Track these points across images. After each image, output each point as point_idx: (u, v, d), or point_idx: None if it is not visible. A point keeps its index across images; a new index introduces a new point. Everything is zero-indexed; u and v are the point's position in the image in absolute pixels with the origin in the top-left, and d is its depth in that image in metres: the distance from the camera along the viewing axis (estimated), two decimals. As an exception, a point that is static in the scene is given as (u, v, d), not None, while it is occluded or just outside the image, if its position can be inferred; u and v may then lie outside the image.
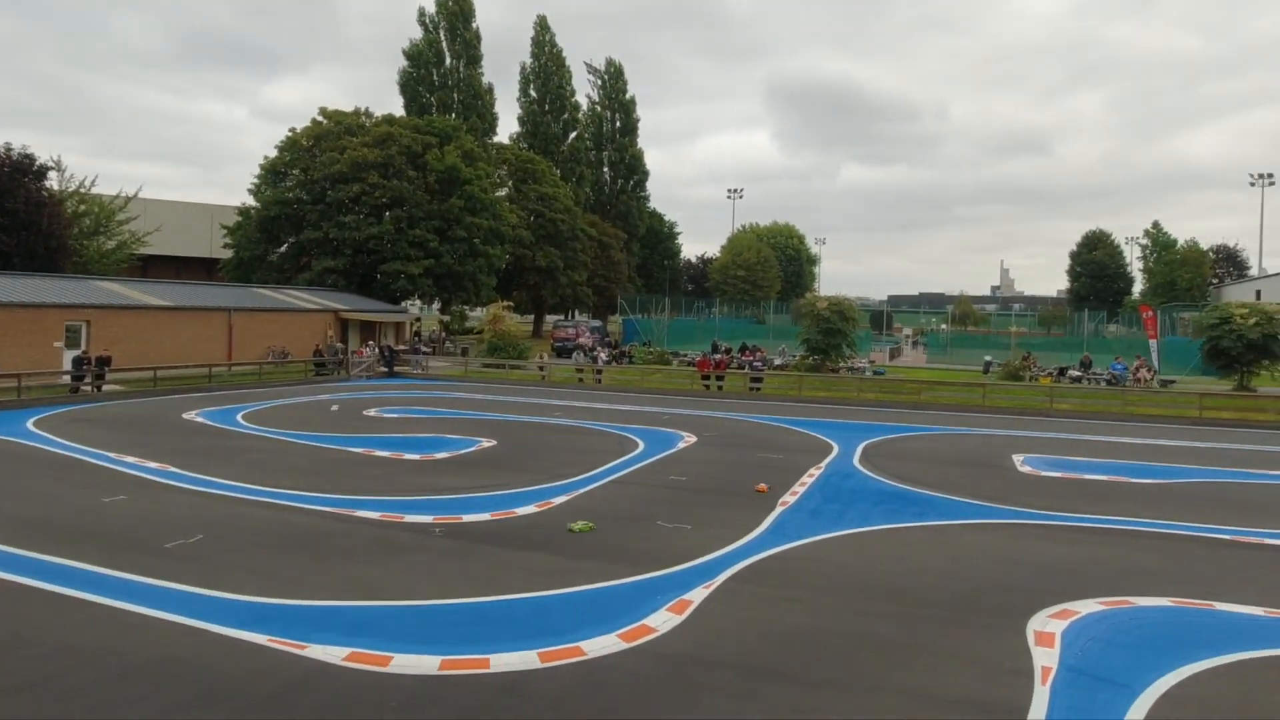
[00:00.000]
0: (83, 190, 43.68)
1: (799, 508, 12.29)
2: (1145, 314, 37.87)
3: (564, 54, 72.23)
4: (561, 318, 66.20)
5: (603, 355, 36.93)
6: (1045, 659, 6.86)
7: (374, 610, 7.79)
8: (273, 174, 47.58)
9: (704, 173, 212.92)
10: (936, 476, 14.92)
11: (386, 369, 34.39)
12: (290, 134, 48.32)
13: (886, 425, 22.16)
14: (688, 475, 14.64)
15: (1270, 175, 78.00)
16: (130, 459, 14.88)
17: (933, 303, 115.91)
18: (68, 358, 26.76)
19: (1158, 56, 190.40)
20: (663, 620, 7.61)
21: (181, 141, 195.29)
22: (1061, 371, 35.25)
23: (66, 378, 25.69)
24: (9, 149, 36.33)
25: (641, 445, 17.74)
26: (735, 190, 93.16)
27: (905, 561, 9.72)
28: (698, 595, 8.29)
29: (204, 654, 6.73)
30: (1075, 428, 22.62)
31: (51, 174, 39.34)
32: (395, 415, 22.13)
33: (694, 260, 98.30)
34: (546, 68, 71.07)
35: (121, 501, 11.83)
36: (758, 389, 30.13)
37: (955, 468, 16.08)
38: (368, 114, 50.80)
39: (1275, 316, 31.12)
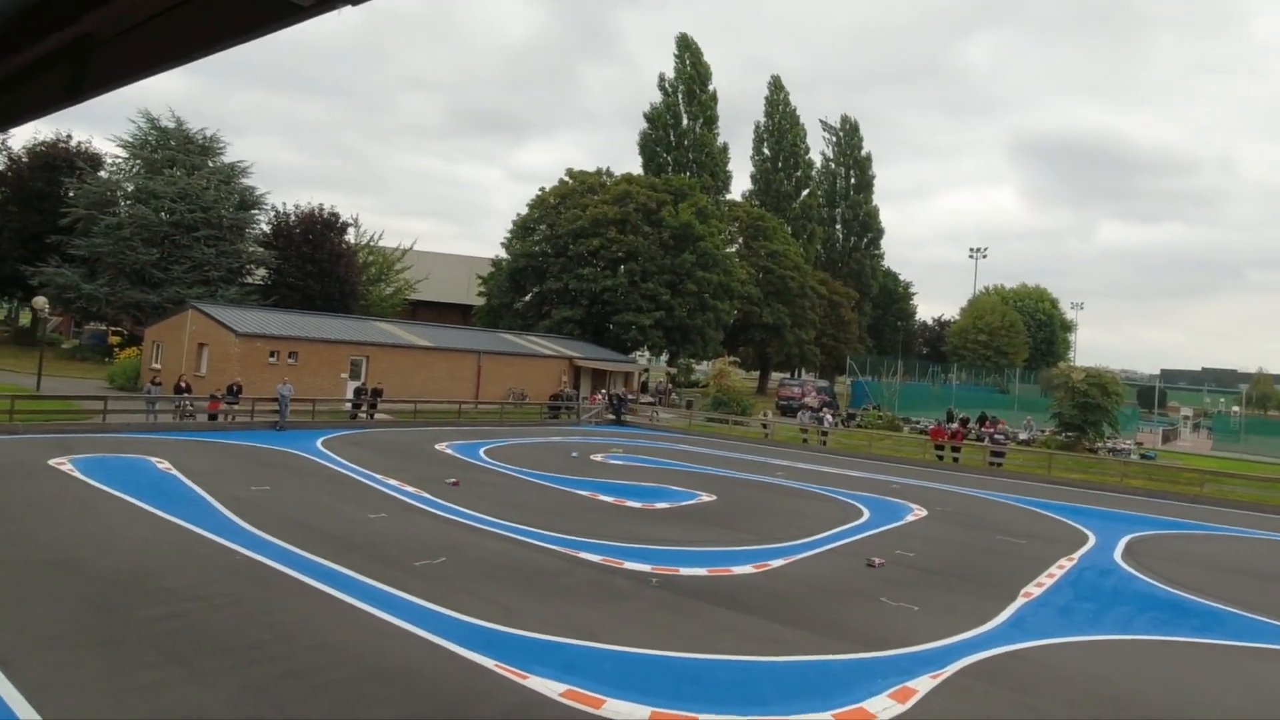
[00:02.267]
0: (372, 244, 50.66)
1: (1045, 602, 10.98)
2: None
3: (797, 112, 72.87)
4: (787, 376, 65.53)
5: (829, 416, 35.91)
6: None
7: (590, 651, 7.99)
8: (523, 229, 52.13)
9: (939, 233, 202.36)
10: (1225, 586, 12.68)
11: (614, 416, 35.88)
12: (540, 193, 52.84)
13: (1158, 519, 19.32)
14: (915, 551, 13.66)
15: None
16: (392, 481, 16.67)
17: (1220, 380, 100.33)
18: (350, 387, 30.80)
19: None
20: (883, 707, 7.07)
21: (447, 200, 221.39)
22: (1400, 473, 28.81)
23: (348, 405, 29.55)
24: (321, 209, 43.19)
25: (866, 514, 16.88)
26: (978, 250, 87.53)
27: (1177, 686, 8.29)
28: (923, 685, 7.62)
29: (439, 668, 7.28)
30: None
31: (350, 229, 46.14)
32: (620, 462, 22.92)
33: (930, 322, 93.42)
34: (780, 126, 71.98)
35: (383, 519, 13.25)
36: (998, 464, 27.65)
37: (1249, 578, 13.58)
38: (608, 173, 54.27)
39: None
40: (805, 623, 9.36)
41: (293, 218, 42.95)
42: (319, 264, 41.27)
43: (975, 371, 68.77)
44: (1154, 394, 56.19)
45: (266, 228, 43.34)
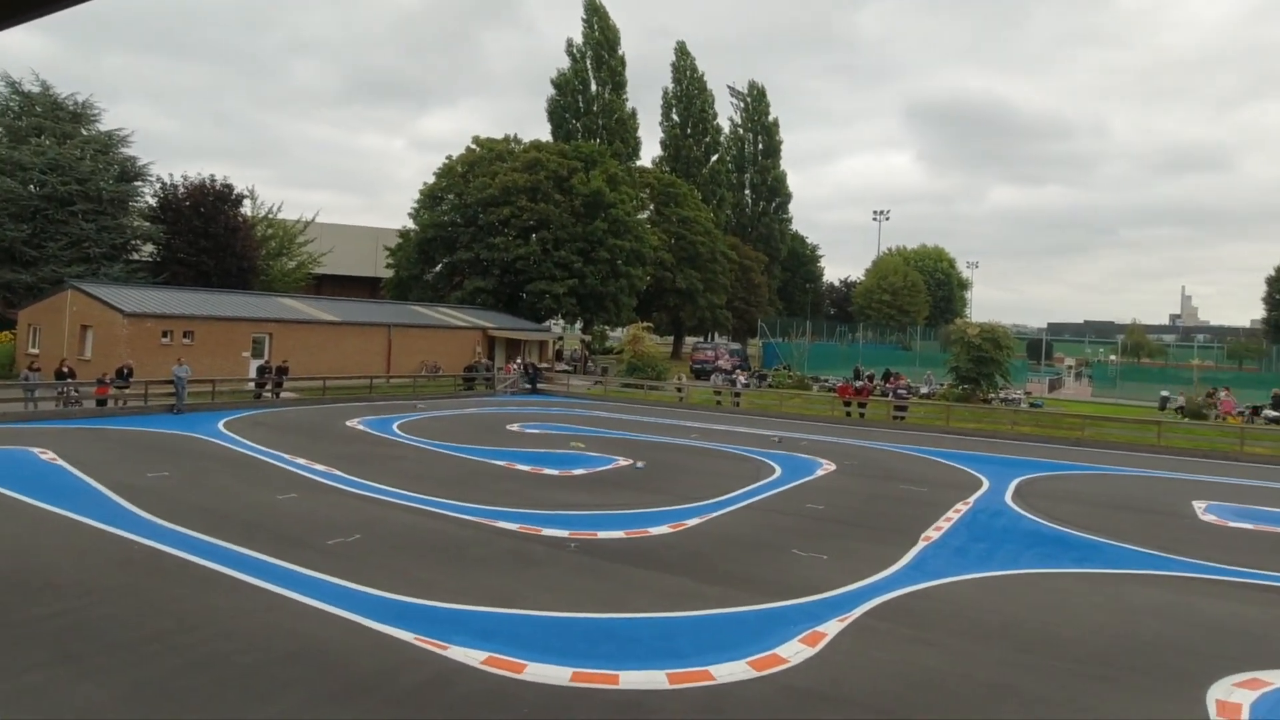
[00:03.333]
0: (270, 216, 48.37)
1: (942, 544, 11.66)
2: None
3: (704, 79, 73.02)
4: (700, 340, 66.39)
5: (741, 378, 36.67)
6: (1228, 732, 6.13)
7: (509, 618, 8.05)
8: (430, 199, 50.75)
9: (843, 196, 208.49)
10: (1101, 520, 13.73)
11: (530, 386, 35.68)
12: (447, 161, 51.43)
13: (1044, 462, 20.67)
14: (825, 504, 14.23)
15: None
16: (300, 460, 16.19)
17: (1099, 332, 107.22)
18: (253, 366, 29.57)
19: None
20: (794, 651, 7.41)
21: (348, 171, 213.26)
22: (1255, 411, 31.62)
23: (251, 385, 28.38)
24: (213, 181, 40.86)
25: (778, 471, 17.43)
26: (881, 212, 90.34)
27: (1060, 611, 8.99)
28: (831, 629, 8.02)
29: (356, 645, 7.20)
30: (1272, 474, 20.20)
31: (246, 202, 43.88)
32: (536, 431, 22.89)
33: (836, 284, 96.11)
34: (688, 92, 72.02)
35: (292, 499, 12.89)
36: (902, 418, 28.93)
37: (1123, 512, 14.74)
38: (517, 141, 53.25)
39: None
40: (720, 577, 9.66)
41: (181, 190, 40.45)
42: (213, 238, 39.14)
43: (880, 330, 71.40)
44: (1041, 346, 59.73)
45: (152, 200, 40.72)
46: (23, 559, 9.31)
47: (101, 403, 23.53)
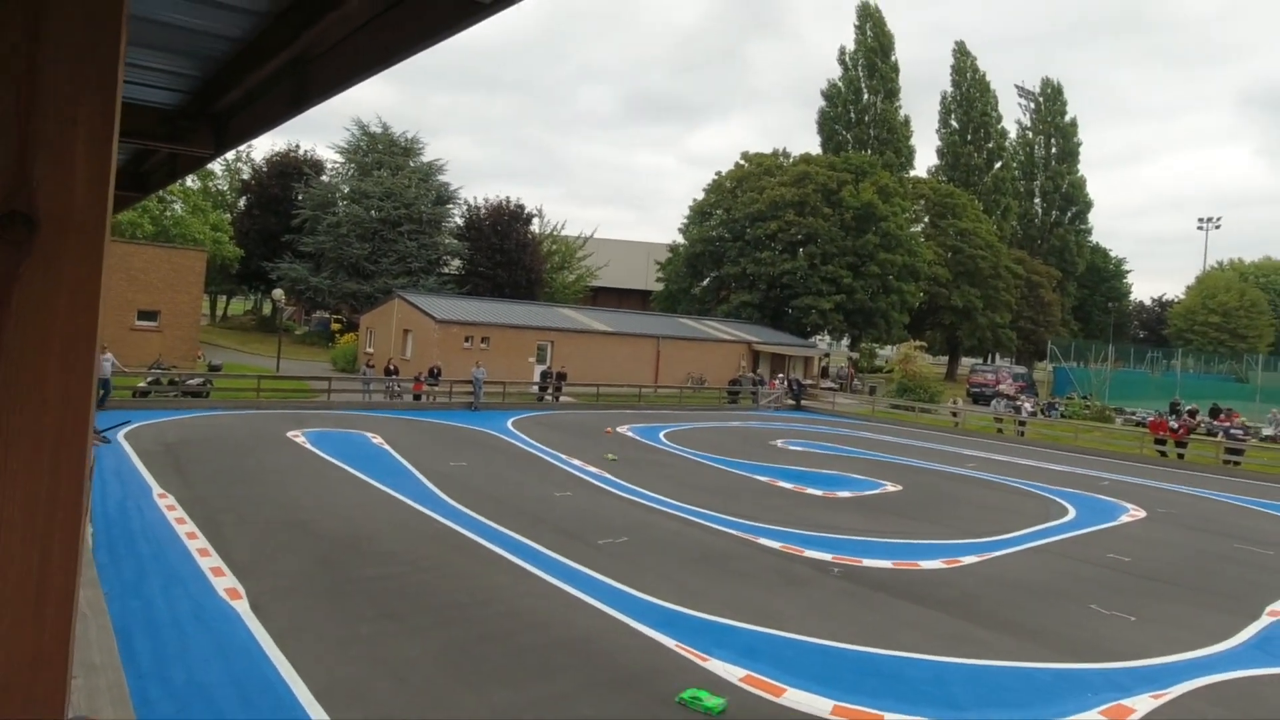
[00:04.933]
0: (555, 233, 52.89)
1: (1298, 622, 9.56)
2: None
3: (986, 78, 67.58)
4: (979, 361, 61.44)
5: (1027, 405, 33.27)
6: None
7: (771, 638, 7.91)
8: (699, 214, 52.27)
9: (1158, 201, 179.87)
10: None
11: (794, 401, 35.28)
12: (716, 177, 52.68)
13: None
14: (1132, 556, 12.35)
15: None
16: (576, 461, 17.37)
17: None
18: (537, 371, 32.40)
19: None
20: (1095, 724, 6.46)
21: (623, 188, 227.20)
22: None
23: (535, 388, 31.12)
24: (508, 201, 45.64)
25: (1072, 512, 15.48)
26: (1208, 219, 77.41)
27: None
28: (1142, 705, 6.88)
29: (621, 642, 7.50)
30: None
31: (534, 220, 48.43)
32: (800, 448, 22.51)
33: (1148, 303, 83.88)
34: (968, 95, 67.15)
35: (568, 496, 13.84)
36: (1235, 463, 24.40)
37: None
38: (785, 154, 53.14)
39: None
40: (1001, 624, 8.74)
41: (482, 210, 45.72)
42: (506, 253, 43.68)
43: (1205, 358, 61.05)
44: None
45: (460, 220, 46.46)
46: (358, 526, 10.92)
47: (416, 397, 27.12)
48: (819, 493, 15.81)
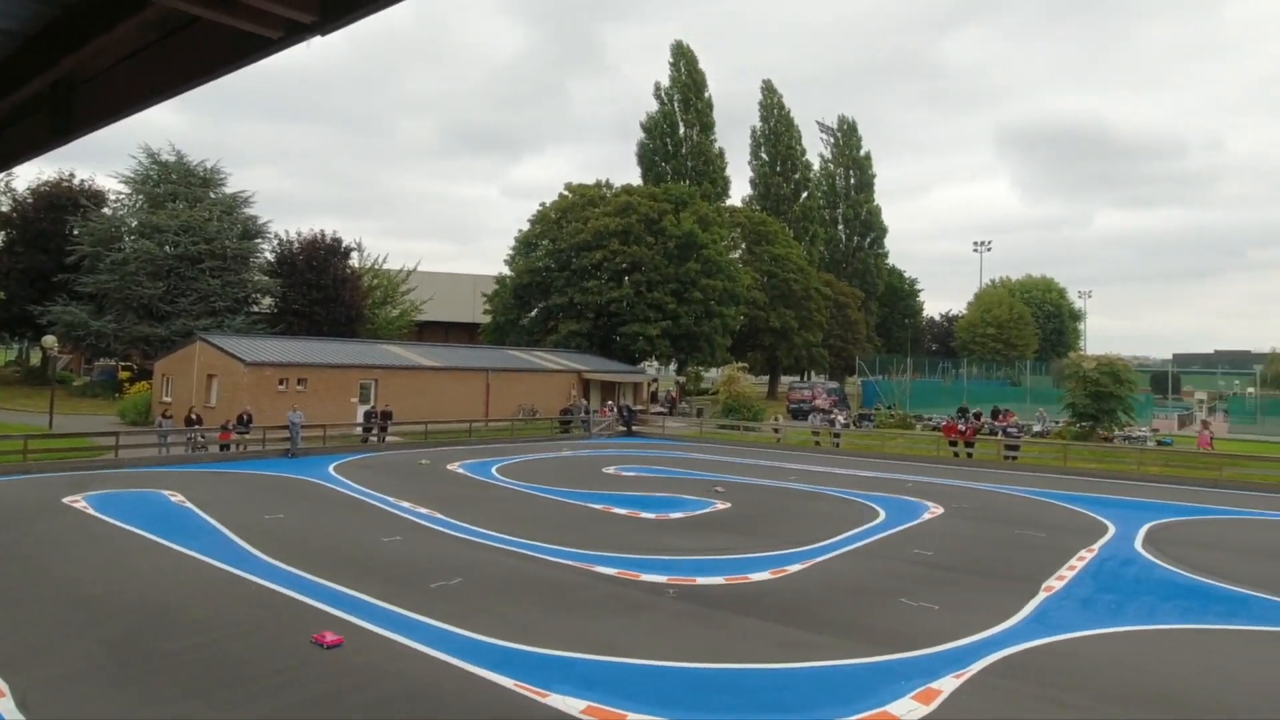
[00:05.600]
0: (376, 267, 50.95)
1: (1067, 595, 10.86)
2: None
3: (791, 115, 73.02)
4: (797, 379, 65.34)
5: (840, 418, 35.76)
6: None
7: (610, 666, 7.93)
8: (525, 245, 52.32)
9: (940, 227, 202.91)
10: (1249, 570, 12.53)
11: (625, 427, 35.83)
12: (541, 208, 53.03)
13: (1177, 505, 19.13)
14: (934, 550, 13.54)
15: None
16: (405, 503, 16.66)
17: (1233, 362, 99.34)
18: (360, 411, 30.86)
19: None
20: (908, 709, 6.99)
21: (447, 220, 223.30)
22: None
23: (359, 429, 29.60)
24: (324, 235, 43.49)
25: (883, 514, 16.76)
26: (982, 243, 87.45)
27: (1206, 672, 8.18)
28: (947, 685, 7.54)
29: (458, 689, 7.24)
30: None
31: (354, 254, 46.46)
32: (632, 473, 22.87)
33: (938, 318, 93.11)
34: (776, 129, 72.15)
35: (397, 541, 13.23)
36: (1014, 458, 27.47)
37: (1274, 562, 13.40)
38: (608, 185, 54.46)
39: None
40: (826, 626, 9.28)
41: (296, 245, 43.23)
42: (324, 289, 41.49)
43: (986, 365, 68.50)
44: (1167, 379, 55.79)
45: (271, 256, 43.64)
46: (158, 597, 9.84)
47: (224, 447, 24.99)
48: (652, 516, 16.12)
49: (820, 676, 7.81)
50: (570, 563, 12.02)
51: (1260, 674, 8.17)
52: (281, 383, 29.34)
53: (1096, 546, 14.01)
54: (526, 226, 52.86)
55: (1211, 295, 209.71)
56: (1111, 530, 15.54)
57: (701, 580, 11.18)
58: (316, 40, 1.98)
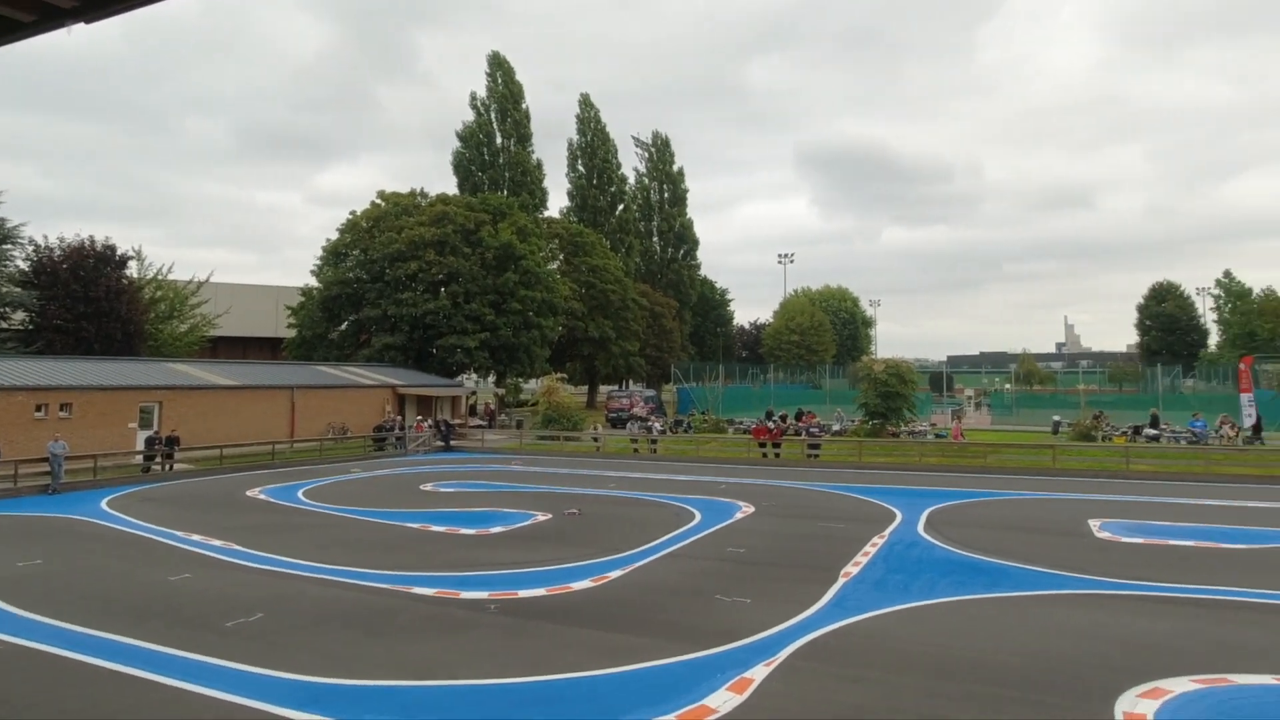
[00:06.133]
0: (160, 277, 46.12)
1: (862, 579, 11.83)
2: (1243, 366, 35.51)
3: (608, 129, 74.60)
4: (615, 388, 66.49)
5: (657, 425, 36.79)
6: (1140, 745, 6.35)
7: (430, 690, 7.66)
8: (334, 255, 49.57)
9: (747, 240, 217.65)
10: (1008, 544, 14.25)
11: (443, 442, 34.82)
12: (351, 216, 50.47)
13: (952, 491, 21.40)
14: (746, 547, 14.28)
15: (1345, 221, 75.35)
16: (196, 537, 15.19)
17: (994, 362, 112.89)
18: (140, 438, 27.77)
19: (1188, 109, 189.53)
20: (723, 700, 7.31)
21: (244, 228, 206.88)
22: (1136, 430, 33.75)
23: (139, 458, 26.62)
24: (93, 242, 38.74)
25: (699, 516, 17.43)
26: (786, 255, 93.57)
27: (977, 636, 9.21)
28: (759, 673, 7.97)
29: (259, 737, 6.69)
30: (1155, 490, 21.51)
31: (131, 263, 41.72)
32: (451, 490, 22.25)
33: (747, 326, 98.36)
34: (592, 143, 73.36)
35: (186, 580, 12.03)
36: (816, 456, 29.54)
37: (1027, 534, 15.36)
38: (423, 195, 52.85)
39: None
40: (645, 629, 9.50)
41: (58, 252, 38.14)
42: (94, 303, 36.91)
43: (791, 370, 73.18)
44: (943, 379, 62.41)
45: (24, 264, 38.19)
46: None
47: (-32, 486, 21.58)
48: (472, 531, 15.78)
49: (641, 678, 7.98)
50: (386, 586, 11.49)
51: (1020, 633, 9.30)
52: (39, 408, 25.81)
53: (887, 533, 15.37)
54: (335, 236, 50.16)
55: (976, 303, 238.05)
56: (899, 517, 17.12)
57: (523, 593, 11.09)
58: (81, 28, 1.78)
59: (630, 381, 69.55)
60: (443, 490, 22.04)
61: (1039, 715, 7.00)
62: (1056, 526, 16.17)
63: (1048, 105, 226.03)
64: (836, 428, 38.16)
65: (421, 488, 22.51)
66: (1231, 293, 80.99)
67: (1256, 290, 79.62)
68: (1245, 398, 33.39)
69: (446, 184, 66.34)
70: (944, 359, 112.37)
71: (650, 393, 55.65)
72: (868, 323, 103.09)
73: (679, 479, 24.13)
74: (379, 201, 50.98)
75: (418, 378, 43.08)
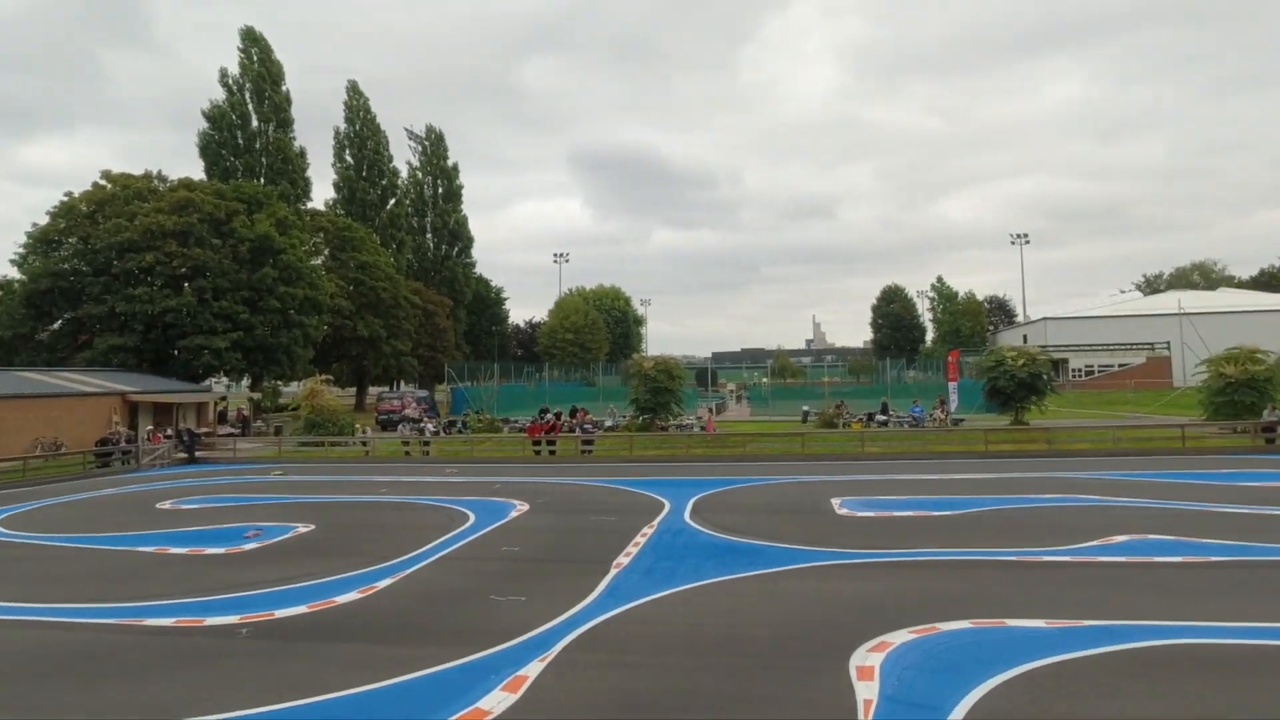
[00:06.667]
0: None
1: (632, 568, 12.31)
2: (951, 359, 41.36)
3: (378, 120, 71.23)
4: (386, 389, 63.60)
5: (430, 426, 35.70)
6: (866, 692, 7.20)
7: (165, 731, 6.89)
8: (44, 243, 42.87)
9: (522, 239, 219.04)
10: (763, 525, 15.51)
11: (187, 455, 31.34)
12: (67, 199, 43.89)
13: (715, 479, 22.86)
14: (521, 545, 14.30)
15: (1026, 235, 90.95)
16: None
17: (754, 358, 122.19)
18: None
19: (908, 135, 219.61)
20: (497, 701, 7.28)
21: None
22: (870, 417, 38.10)
23: None
24: None
25: (472, 518, 17.17)
26: (561, 255, 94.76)
27: (735, 613, 9.95)
28: (534, 670, 8.03)
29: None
30: (884, 468, 24.42)
31: None
32: (194, 506, 20.10)
33: (523, 325, 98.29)
34: (361, 133, 69.66)
35: None
36: (589, 451, 30.21)
37: (780, 515, 16.81)
38: (161, 178, 47.26)
39: (1038, 358, 35.56)
40: (419, 637, 9.22)
41: None
42: None
43: (566, 368, 74.22)
44: (708, 374, 66.44)
45: None
46: None
47: None
48: (220, 550, 14.37)
49: (412, 689, 7.73)
50: (112, 621, 10.14)
51: (771, 606, 10.16)
52: None
53: (656, 522, 16.11)
54: (46, 220, 43.29)
55: (738, 303, 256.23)
56: (668, 507, 18.00)
57: (280, 613, 10.29)
58: None
59: (402, 382, 66.89)
60: (185, 507, 19.84)
61: (784, 676, 7.71)
62: (804, 506, 17.86)
63: (797, 124, 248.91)
64: (609, 424, 39.31)
65: (159, 506, 20.11)
66: (943, 296, 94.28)
67: (961, 294, 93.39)
68: (952, 386, 39.03)
69: (190, 168, 59.94)
70: (709, 355, 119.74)
71: (423, 393, 53.90)
72: (639, 321, 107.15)
73: (453, 480, 23.62)
74: (104, 183, 44.84)
75: (155, 383, 38.43)
